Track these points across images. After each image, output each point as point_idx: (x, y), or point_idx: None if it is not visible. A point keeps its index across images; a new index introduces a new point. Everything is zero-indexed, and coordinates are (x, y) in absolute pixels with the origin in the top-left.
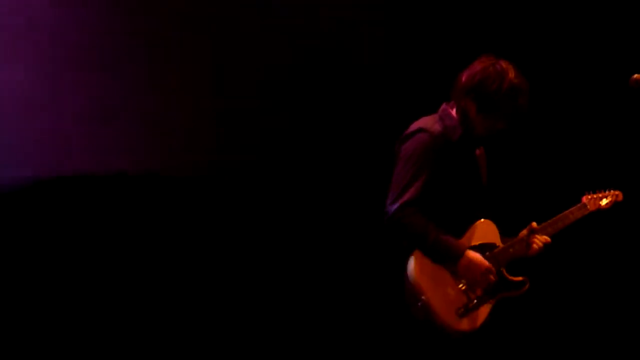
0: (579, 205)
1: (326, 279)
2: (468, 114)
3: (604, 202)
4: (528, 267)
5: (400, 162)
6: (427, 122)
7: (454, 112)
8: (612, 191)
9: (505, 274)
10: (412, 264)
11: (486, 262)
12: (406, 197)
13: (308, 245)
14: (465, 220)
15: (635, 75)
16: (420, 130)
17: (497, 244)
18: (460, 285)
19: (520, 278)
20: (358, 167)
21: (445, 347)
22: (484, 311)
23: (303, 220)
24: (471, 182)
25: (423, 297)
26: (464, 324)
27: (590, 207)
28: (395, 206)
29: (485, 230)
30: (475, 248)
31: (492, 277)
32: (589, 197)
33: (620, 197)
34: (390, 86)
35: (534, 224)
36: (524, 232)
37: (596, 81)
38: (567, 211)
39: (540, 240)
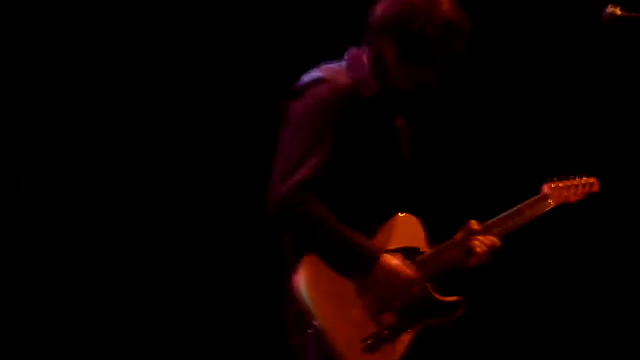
0: (538, 196)
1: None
2: (385, 61)
3: (572, 192)
4: (462, 283)
5: (289, 127)
6: (329, 71)
7: (365, 59)
8: (584, 178)
9: (432, 291)
10: (301, 273)
11: (410, 271)
12: (299, 175)
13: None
14: (378, 214)
15: (610, 8)
16: (318, 81)
17: (422, 249)
18: (369, 307)
19: (453, 298)
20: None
21: None
22: (399, 345)
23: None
24: (388, 160)
25: (315, 323)
26: None
27: (554, 200)
28: (284, 189)
29: (405, 229)
30: (392, 253)
31: (416, 292)
32: (553, 185)
33: (596, 187)
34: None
35: (473, 222)
36: (460, 233)
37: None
38: (521, 205)
39: (484, 242)
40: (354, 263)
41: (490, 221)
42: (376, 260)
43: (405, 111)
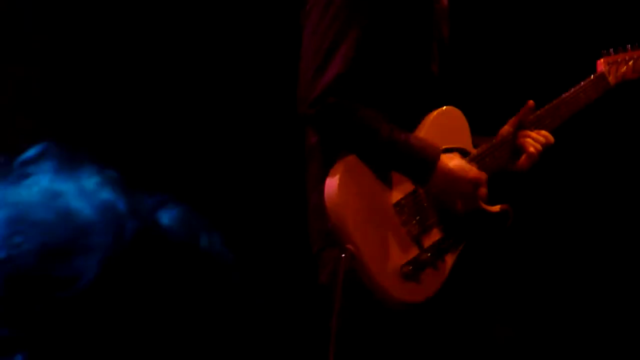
0: (594, 75)
1: None
2: None
3: (632, 67)
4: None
5: (314, 9)
6: None
7: None
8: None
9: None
10: (335, 184)
11: (475, 171)
12: (331, 72)
13: None
14: (417, 107)
15: None
16: None
17: (468, 149)
18: (409, 225)
19: (500, 207)
20: None
21: (378, 326)
22: (442, 269)
23: None
24: (428, 43)
25: (349, 245)
26: (411, 290)
27: (612, 78)
28: (317, 90)
29: (449, 125)
30: (447, 152)
31: (483, 194)
32: (610, 60)
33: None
34: None
35: (530, 104)
36: (506, 127)
37: None
38: (575, 87)
39: (537, 138)
40: (410, 166)
41: (540, 110)
42: (436, 161)
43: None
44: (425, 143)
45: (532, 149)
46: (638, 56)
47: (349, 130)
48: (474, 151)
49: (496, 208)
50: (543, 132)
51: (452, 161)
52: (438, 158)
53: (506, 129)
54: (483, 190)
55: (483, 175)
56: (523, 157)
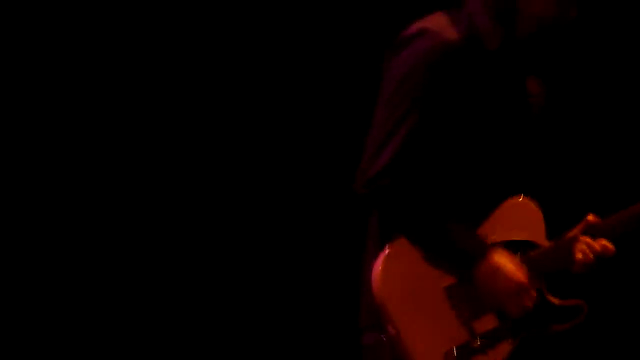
0: None
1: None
2: None
3: None
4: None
5: (383, 92)
6: (436, 22)
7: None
8: None
9: (547, 293)
10: (383, 263)
11: (520, 274)
12: (385, 157)
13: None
14: (488, 197)
15: None
16: (421, 34)
17: (539, 243)
18: (461, 310)
19: (574, 301)
20: None
21: None
22: (494, 358)
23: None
24: (513, 131)
25: (391, 327)
26: None
27: None
28: (370, 173)
29: (521, 217)
30: (504, 246)
31: (528, 300)
32: None
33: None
34: None
35: (591, 217)
36: (575, 230)
37: None
38: None
39: (592, 246)
40: (454, 258)
41: (612, 217)
42: (482, 257)
43: (543, 71)
44: (474, 237)
45: (580, 256)
46: None
47: (399, 214)
48: (545, 244)
49: (567, 302)
50: (602, 241)
51: (502, 258)
52: (484, 254)
53: (574, 230)
54: (528, 296)
55: (527, 281)
56: (574, 262)
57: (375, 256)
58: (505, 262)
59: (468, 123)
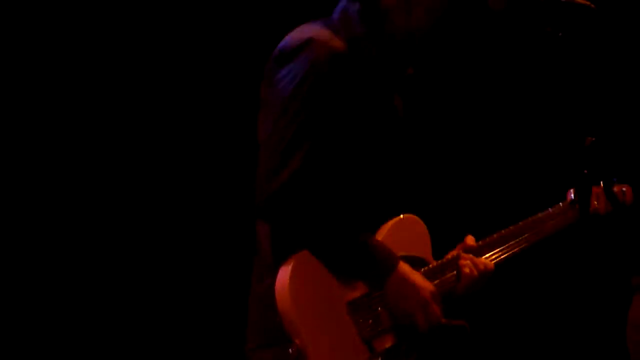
0: (563, 203)
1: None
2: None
3: (603, 202)
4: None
5: (274, 105)
6: (318, 30)
7: (355, 9)
8: (616, 186)
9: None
10: (288, 277)
11: (430, 285)
12: (290, 168)
13: None
14: (376, 211)
15: None
16: (308, 43)
17: (427, 260)
18: (361, 327)
19: (456, 322)
20: None
21: None
22: None
23: None
24: (388, 143)
25: (297, 341)
26: None
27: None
28: (274, 186)
29: (409, 233)
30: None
31: (437, 311)
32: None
33: (629, 197)
34: None
35: (470, 238)
36: (453, 252)
37: None
38: (541, 214)
39: (476, 264)
40: (365, 270)
41: (492, 237)
42: (394, 267)
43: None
44: (384, 247)
45: (467, 270)
46: (610, 191)
47: (304, 227)
48: (433, 262)
49: (454, 322)
50: (482, 259)
51: (412, 271)
52: (396, 264)
53: (452, 253)
54: (436, 307)
55: (437, 292)
56: (460, 280)
57: (271, 270)
58: (414, 273)
59: (362, 128)
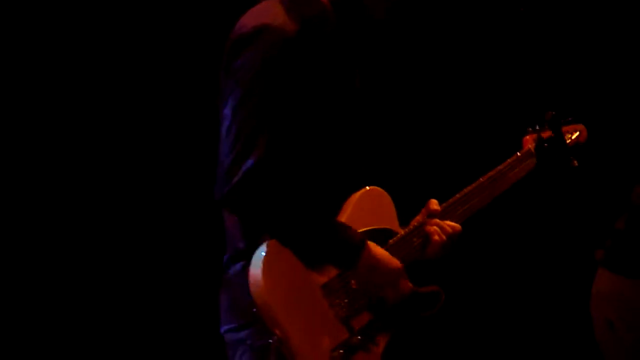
0: (521, 152)
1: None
2: None
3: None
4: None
5: (232, 95)
6: (270, 13)
7: None
8: (571, 125)
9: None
10: (261, 267)
11: (396, 261)
12: (254, 158)
13: None
14: (340, 188)
15: None
16: (261, 31)
17: (395, 230)
18: (337, 308)
19: (430, 288)
20: None
21: None
22: (374, 352)
23: None
24: (350, 121)
25: (277, 331)
26: None
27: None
28: (238, 177)
29: (374, 205)
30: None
31: (405, 285)
32: (535, 136)
33: (584, 135)
34: None
35: (433, 202)
36: (419, 216)
37: None
38: (499, 167)
39: (444, 227)
40: (334, 254)
41: (454, 198)
42: (363, 248)
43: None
44: (351, 230)
45: (436, 237)
46: (571, 129)
47: (271, 216)
48: (400, 231)
49: (426, 289)
50: (448, 222)
51: (379, 249)
52: (364, 245)
53: (417, 219)
54: (405, 280)
55: (402, 268)
56: (429, 246)
57: (242, 255)
58: (381, 251)
59: (322, 109)
